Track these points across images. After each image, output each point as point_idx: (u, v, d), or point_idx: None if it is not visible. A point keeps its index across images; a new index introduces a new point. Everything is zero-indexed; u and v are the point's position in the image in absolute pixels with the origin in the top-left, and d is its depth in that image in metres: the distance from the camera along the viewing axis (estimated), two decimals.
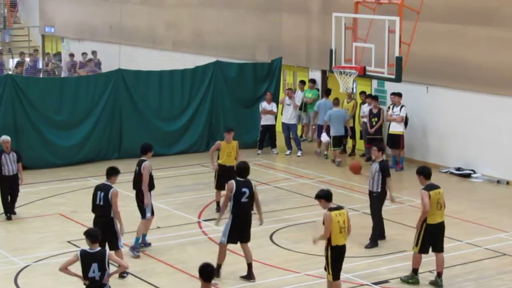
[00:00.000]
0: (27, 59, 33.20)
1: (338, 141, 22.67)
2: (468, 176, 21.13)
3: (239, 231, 13.66)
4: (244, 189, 13.53)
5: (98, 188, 13.78)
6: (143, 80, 23.41)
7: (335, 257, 12.26)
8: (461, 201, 18.64)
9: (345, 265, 12.76)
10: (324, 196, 12.32)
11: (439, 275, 13.57)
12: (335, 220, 12.13)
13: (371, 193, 15.66)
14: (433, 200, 13.29)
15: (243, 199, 13.53)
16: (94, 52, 32.79)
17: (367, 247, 15.42)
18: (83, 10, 35.61)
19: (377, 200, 15.60)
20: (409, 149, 22.22)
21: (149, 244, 15.42)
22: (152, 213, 15.13)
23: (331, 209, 12.22)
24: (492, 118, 20.72)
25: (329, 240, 12.19)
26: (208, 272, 9.55)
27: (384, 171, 15.38)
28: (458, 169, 21.40)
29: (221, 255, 13.79)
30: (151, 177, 15.04)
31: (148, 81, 23.46)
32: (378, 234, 15.69)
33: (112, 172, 13.82)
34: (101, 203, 13.59)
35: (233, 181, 13.62)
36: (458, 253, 15.17)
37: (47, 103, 21.90)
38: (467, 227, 16.87)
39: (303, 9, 25.80)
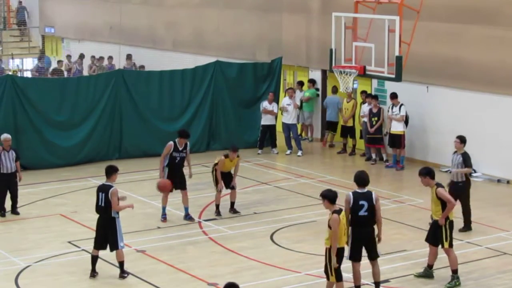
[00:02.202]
0: (76, 64, 32.56)
1: (331, 126, 24.64)
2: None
3: (361, 247, 12.75)
4: (362, 202, 12.57)
5: (99, 189, 13.78)
6: (143, 80, 23.42)
7: (339, 259, 12.29)
8: None
9: (346, 264, 12.80)
10: (328, 197, 12.32)
11: (431, 267, 13.78)
12: (342, 223, 12.19)
13: (455, 184, 16.23)
14: None
15: (361, 213, 12.57)
16: (129, 55, 31.75)
17: (461, 230, 16.25)
18: (83, 11, 35.62)
19: (463, 189, 16.36)
20: (409, 148, 22.24)
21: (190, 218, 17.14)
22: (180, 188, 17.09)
23: (336, 212, 12.22)
24: (492, 118, 20.71)
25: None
26: None
27: (466, 161, 16.13)
28: None
29: (354, 276, 12.88)
30: (172, 158, 16.94)
31: (148, 81, 23.46)
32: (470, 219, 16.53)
33: (111, 171, 13.80)
34: (102, 204, 13.60)
35: (350, 193, 12.75)
36: (459, 252, 15.11)
37: (48, 103, 21.89)
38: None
39: (303, 9, 25.80)
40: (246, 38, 27.70)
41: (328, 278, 12.46)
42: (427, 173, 13.59)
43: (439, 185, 13.54)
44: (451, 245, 13.52)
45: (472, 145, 21.09)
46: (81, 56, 33.24)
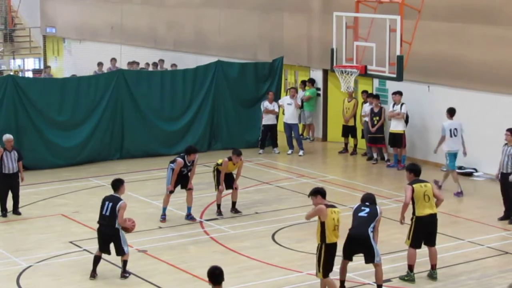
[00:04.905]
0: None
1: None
2: (470, 174, 21.12)
3: (352, 247, 12.95)
4: (364, 207, 12.94)
5: (107, 198, 13.77)
6: (144, 80, 23.41)
7: (328, 255, 12.39)
8: (463, 199, 18.64)
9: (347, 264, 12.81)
10: (321, 193, 12.54)
11: (433, 267, 13.77)
12: (330, 217, 12.31)
13: (504, 175, 17.00)
14: (419, 193, 13.51)
15: (361, 214, 12.90)
16: (161, 61, 30.35)
17: (500, 219, 17.03)
18: (84, 11, 35.62)
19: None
20: (410, 147, 22.23)
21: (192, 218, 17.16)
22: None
23: (326, 206, 12.43)
24: (493, 117, 20.70)
25: (323, 238, 12.35)
26: (216, 275, 9.51)
27: None
28: (460, 167, 21.37)
29: (340, 271, 13.04)
30: (179, 172, 16.81)
31: (149, 81, 23.45)
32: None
33: (118, 184, 13.81)
34: (108, 214, 13.54)
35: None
36: (460, 251, 15.17)
37: (49, 103, 21.88)
38: (469, 226, 16.88)
39: (304, 9, 25.80)
40: (247, 38, 27.70)
41: (316, 274, 12.59)
42: (411, 169, 13.85)
43: (412, 182, 13.63)
44: (411, 245, 13.57)
45: (473, 144, 21.15)
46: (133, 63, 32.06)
